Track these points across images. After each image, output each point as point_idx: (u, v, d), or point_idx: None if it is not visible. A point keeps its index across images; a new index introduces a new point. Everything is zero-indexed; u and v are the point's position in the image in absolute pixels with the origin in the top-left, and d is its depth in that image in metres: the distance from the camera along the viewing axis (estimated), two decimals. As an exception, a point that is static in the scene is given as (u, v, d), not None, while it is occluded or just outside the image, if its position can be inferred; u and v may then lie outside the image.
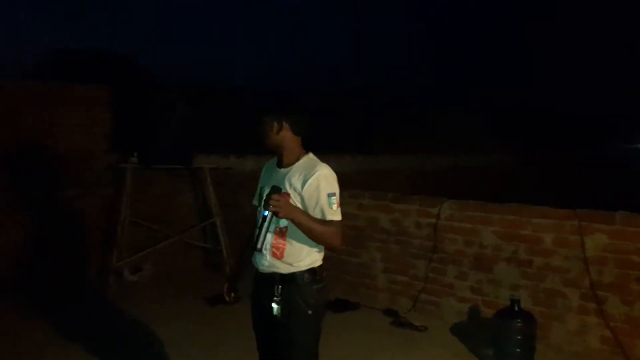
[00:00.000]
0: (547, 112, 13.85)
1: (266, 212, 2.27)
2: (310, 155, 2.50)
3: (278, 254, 2.40)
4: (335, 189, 2.39)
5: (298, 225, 2.31)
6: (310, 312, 2.40)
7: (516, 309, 3.94)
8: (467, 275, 4.73)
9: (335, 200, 2.37)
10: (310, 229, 2.31)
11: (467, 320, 4.69)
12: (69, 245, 5.85)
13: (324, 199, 2.34)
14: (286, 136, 2.45)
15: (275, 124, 2.44)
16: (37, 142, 6.02)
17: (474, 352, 4.16)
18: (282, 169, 2.47)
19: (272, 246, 2.41)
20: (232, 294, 2.67)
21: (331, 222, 2.35)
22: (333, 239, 2.37)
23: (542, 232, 4.30)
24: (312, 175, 2.35)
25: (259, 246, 2.32)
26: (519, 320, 3.90)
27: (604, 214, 4.06)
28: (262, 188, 2.54)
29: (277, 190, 2.31)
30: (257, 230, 2.32)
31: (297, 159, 2.45)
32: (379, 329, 4.68)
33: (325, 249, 2.48)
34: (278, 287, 2.39)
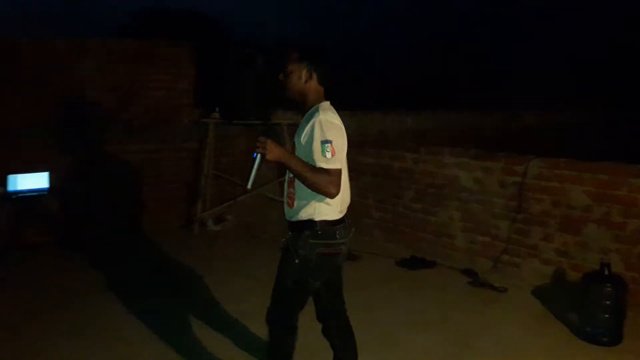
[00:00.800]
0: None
1: (255, 154, 2.29)
2: (323, 103, 2.41)
3: (290, 203, 2.44)
4: (333, 136, 2.27)
5: (289, 170, 2.33)
6: (296, 261, 2.40)
7: (606, 272, 3.72)
8: (553, 237, 4.52)
9: (330, 148, 2.25)
10: (300, 174, 2.27)
11: (551, 284, 4.50)
12: (156, 196, 6.16)
13: (317, 145, 2.26)
14: (312, 86, 2.42)
15: (305, 72, 2.40)
16: (125, 99, 6.31)
17: (556, 316, 4.00)
18: (303, 120, 2.46)
19: (287, 195, 2.45)
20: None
21: (325, 170, 2.24)
22: (327, 188, 2.25)
23: (638, 194, 4.00)
24: (310, 124, 2.30)
25: (248, 187, 2.37)
26: (608, 284, 3.68)
27: None
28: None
29: (264, 133, 2.33)
30: (249, 172, 2.34)
31: (310, 108, 2.40)
32: (456, 288, 4.61)
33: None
34: (289, 234, 2.47)
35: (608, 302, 3.67)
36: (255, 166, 2.32)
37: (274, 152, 2.26)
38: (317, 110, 2.35)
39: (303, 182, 2.30)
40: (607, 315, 3.66)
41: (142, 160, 6.21)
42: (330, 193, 2.28)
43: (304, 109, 2.44)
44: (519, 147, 5.52)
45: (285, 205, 2.49)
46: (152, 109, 6.48)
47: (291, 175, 2.39)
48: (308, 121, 2.34)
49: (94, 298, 4.21)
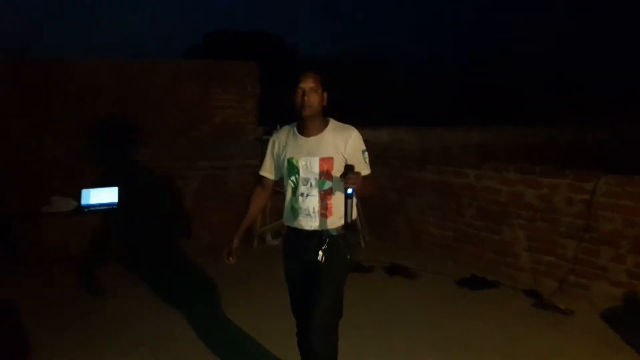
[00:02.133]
0: None
1: (350, 191, 2.42)
2: (332, 119, 2.68)
3: (327, 214, 2.61)
4: (364, 146, 2.66)
5: (361, 190, 2.49)
6: (348, 256, 2.66)
7: (682, 298, 3.49)
8: (625, 258, 4.27)
9: (367, 156, 2.67)
10: (368, 189, 2.60)
11: (621, 307, 4.25)
12: (221, 211, 6.35)
13: (361, 155, 2.62)
14: (322, 105, 2.63)
15: (323, 92, 2.60)
16: (194, 117, 6.60)
17: (627, 341, 3.76)
18: (311, 137, 2.61)
19: (320, 208, 2.60)
20: (231, 257, 2.81)
21: (370, 175, 2.65)
22: (375, 189, 2.76)
23: None
24: (350, 137, 2.59)
25: (348, 221, 2.50)
26: (685, 310, 3.45)
27: None
28: (289, 160, 2.64)
29: (351, 168, 2.45)
30: (345, 207, 2.49)
31: (326, 125, 2.62)
32: (520, 310, 4.43)
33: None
34: (325, 240, 2.60)
35: (684, 329, 3.43)
36: (352, 201, 2.47)
37: (361, 184, 2.44)
38: (346, 125, 2.66)
39: (365, 194, 2.62)
40: (683, 344, 3.42)
41: (209, 176, 6.45)
42: (376, 192, 2.70)
43: (310, 126, 2.61)
44: (591, 163, 5.29)
45: (319, 217, 2.62)
46: (219, 127, 6.74)
47: (326, 188, 2.60)
48: (340, 135, 2.61)
49: (160, 313, 4.36)
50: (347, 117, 6.98)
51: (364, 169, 2.59)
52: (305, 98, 2.54)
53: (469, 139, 7.99)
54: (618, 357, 3.58)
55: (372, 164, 2.72)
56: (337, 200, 2.60)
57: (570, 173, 4.68)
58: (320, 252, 2.58)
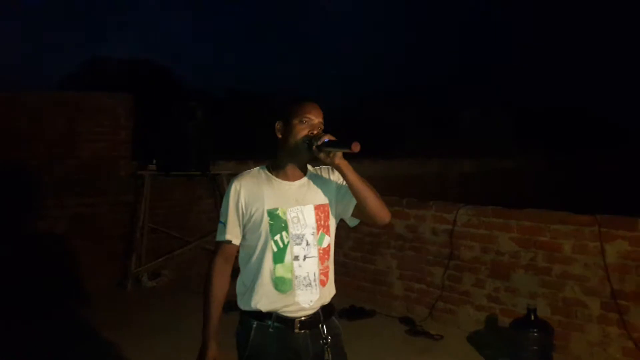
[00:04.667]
0: (570, 113, 13.55)
1: (327, 140, 1.91)
2: None
3: (325, 280, 2.05)
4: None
5: (358, 182, 1.95)
6: (342, 332, 2.15)
7: (532, 318, 3.82)
8: (484, 282, 4.61)
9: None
10: (366, 184, 1.98)
11: (484, 329, 4.56)
12: (89, 252, 5.95)
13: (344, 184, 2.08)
14: None
15: None
16: (61, 152, 6.17)
17: (490, 363, 4.05)
18: (296, 181, 2.05)
19: (320, 273, 2.03)
20: None
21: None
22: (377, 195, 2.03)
23: (561, 239, 4.16)
24: (329, 171, 2.11)
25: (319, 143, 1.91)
26: (535, 330, 3.78)
27: (626, 219, 3.90)
28: (270, 212, 1.98)
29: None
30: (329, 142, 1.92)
31: (306, 168, 2.11)
32: (395, 338, 4.60)
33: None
34: (323, 327, 2.03)
35: (535, 347, 3.76)
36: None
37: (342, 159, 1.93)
38: (319, 166, 2.14)
39: (367, 194, 1.97)
40: (534, 360, 3.73)
41: (77, 215, 6.02)
42: (388, 214, 2.06)
43: (293, 170, 2.06)
44: (457, 195, 5.70)
45: (318, 288, 2.03)
46: (89, 162, 6.35)
47: (325, 246, 2.06)
48: (324, 176, 2.11)
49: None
50: (226, 151, 6.88)
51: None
52: (319, 133, 1.96)
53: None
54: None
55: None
56: (332, 262, 2.12)
57: (433, 204, 5.00)
58: (326, 351, 2.01)
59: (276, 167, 2.06)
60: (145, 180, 5.98)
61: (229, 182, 6.08)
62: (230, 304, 2.08)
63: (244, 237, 2.04)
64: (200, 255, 6.47)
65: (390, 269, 5.30)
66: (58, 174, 6.07)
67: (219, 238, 2.05)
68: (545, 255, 4.24)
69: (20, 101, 6.11)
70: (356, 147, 1.83)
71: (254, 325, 2.01)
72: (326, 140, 1.91)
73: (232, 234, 2.02)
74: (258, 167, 2.10)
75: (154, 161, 6.05)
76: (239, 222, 2.02)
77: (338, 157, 1.89)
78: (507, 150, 10.79)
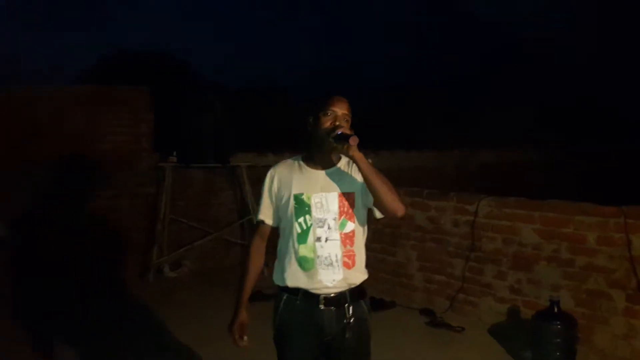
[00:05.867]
0: (589, 107, 13.30)
1: (340, 132, 2.04)
2: None
3: (350, 263, 2.16)
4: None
5: (371, 174, 2.03)
6: (370, 320, 2.25)
7: (555, 310, 3.77)
8: (506, 274, 4.56)
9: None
10: (379, 176, 2.04)
11: (506, 321, 4.52)
12: (113, 243, 6.02)
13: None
14: None
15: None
16: (82, 145, 6.24)
17: (512, 354, 4.01)
18: (324, 170, 2.19)
19: (344, 256, 2.15)
20: (244, 337, 2.24)
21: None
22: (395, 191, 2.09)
23: (585, 230, 4.09)
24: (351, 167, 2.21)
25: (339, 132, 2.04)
26: (558, 322, 3.73)
27: (652, 210, 3.83)
28: (296, 196, 2.16)
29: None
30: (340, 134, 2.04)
31: (339, 157, 2.22)
32: (415, 329, 4.59)
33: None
34: (349, 308, 2.16)
35: (558, 340, 3.71)
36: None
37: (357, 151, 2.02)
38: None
39: (381, 184, 2.03)
40: (558, 353, 3.70)
41: (100, 207, 6.09)
42: (401, 208, 2.10)
43: (322, 155, 2.20)
44: (477, 186, 5.63)
45: (341, 270, 2.14)
46: (110, 155, 6.41)
47: (348, 231, 2.16)
48: (351, 163, 2.18)
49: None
50: (246, 143, 6.89)
51: None
52: (338, 124, 2.10)
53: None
54: (503, 370, 3.80)
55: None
56: (360, 248, 2.21)
57: (455, 195, 4.95)
58: (347, 331, 2.14)
59: (308, 157, 2.24)
60: (167, 172, 6.03)
61: (248, 174, 6.11)
62: (256, 295, 2.16)
63: (279, 219, 2.25)
64: (220, 246, 6.53)
65: (410, 261, 5.28)
66: (79, 168, 6.14)
67: (255, 219, 2.33)
68: (569, 247, 4.18)
69: (40, 96, 6.18)
70: (353, 141, 2.00)
71: (284, 298, 2.21)
72: (339, 132, 2.06)
73: (265, 215, 2.27)
74: (293, 157, 2.29)
75: (175, 153, 6.09)
76: (272, 205, 2.25)
77: (352, 148, 2.01)
78: (526, 142, 10.64)
